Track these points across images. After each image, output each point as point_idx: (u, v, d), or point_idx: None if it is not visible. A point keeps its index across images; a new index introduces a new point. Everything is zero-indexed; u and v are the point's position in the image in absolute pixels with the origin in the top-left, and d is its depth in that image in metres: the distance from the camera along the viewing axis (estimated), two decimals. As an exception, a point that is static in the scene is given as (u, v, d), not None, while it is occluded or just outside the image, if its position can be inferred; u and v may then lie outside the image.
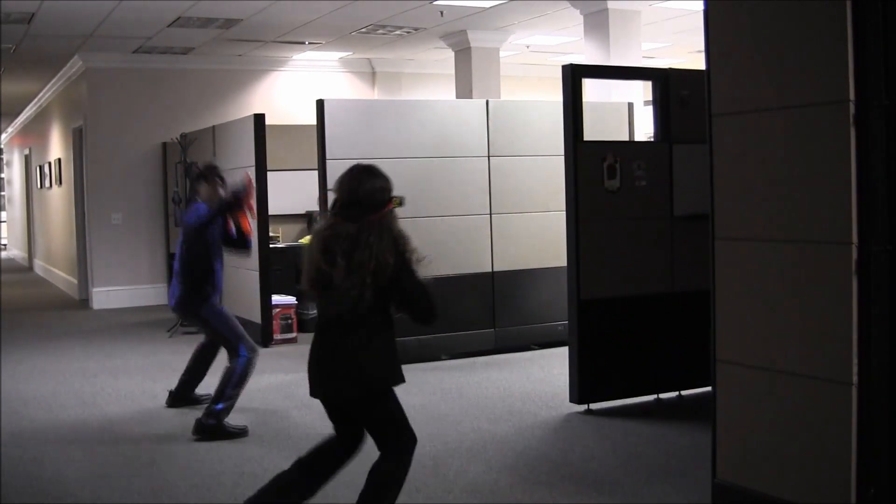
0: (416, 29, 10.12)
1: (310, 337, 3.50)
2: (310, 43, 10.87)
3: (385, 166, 7.19)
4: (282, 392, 6.29)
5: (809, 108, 3.43)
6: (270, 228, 8.41)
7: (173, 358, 7.40)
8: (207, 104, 11.47)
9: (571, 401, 5.57)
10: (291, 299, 8.38)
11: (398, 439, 3.37)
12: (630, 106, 7.99)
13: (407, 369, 7.47)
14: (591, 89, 7.63)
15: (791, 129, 3.51)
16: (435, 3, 8.77)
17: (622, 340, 5.59)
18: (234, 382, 5.37)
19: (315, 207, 8.27)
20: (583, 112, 5.48)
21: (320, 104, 6.99)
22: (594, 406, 5.59)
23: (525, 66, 12.56)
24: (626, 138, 7.76)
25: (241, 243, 5.75)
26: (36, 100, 15.21)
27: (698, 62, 4.84)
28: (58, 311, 11.19)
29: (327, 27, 9.85)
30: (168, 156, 10.99)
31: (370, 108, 7.53)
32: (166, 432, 5.39)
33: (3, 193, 24.05)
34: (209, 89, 11.57)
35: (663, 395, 5.80)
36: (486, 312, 7.46)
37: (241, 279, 8.67)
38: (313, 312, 7.92)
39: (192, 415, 5.77)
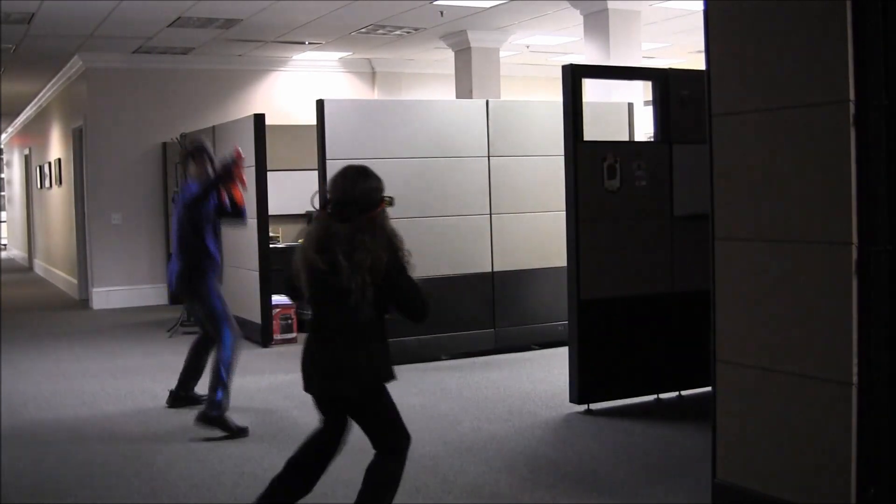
0: (416, 29, 10.12)
1: (310, 337, 3.51)
2: (310, 43, 10.87)
3: (385, 166, 7.21)
4: (282, 392, 6.29)
5: (809, 108, 3.43)
6: (270, 228, 8.41)
7: (173, 358, 7.40)
8: (207, 104, 11.47)
9: (571, 401, 5.57)
10: (291, 299, 8.37)
11: (392, 437, 3.39)
12: (630, 106, 7.99)
13: (407, 369, 7.52)
14: (591, 89, 7.63)
15: (791, 129, 3.51)
16: (435, 3, 8.77)
17: (622, 340, 5.59)
18: (225, 369, 5.45)
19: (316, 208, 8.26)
20: (583, 112, 5.48)
21: (320, 104, 6.99)
22: (594, 406, 5.59)
23: (525, 66, 12.56)
24: (626, 138, 7.76)
25: (235, 213, 5.82)
26: (36, 100, 15.21)
27: (698, 62, 4.83)
28: (58, 311, 11.19)
29: (327, 27, 9.85)
30: (168, 156, 10.99)
31: (370, 108, 7.53)
32: (166, 432, 5.39)
33: (3, 193, 24.05)
34: (209, 89, 11.57)
35: (663, 395, 5.80)
36: (486, 312, 7.46)
37: (241, 279, 8.67)
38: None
39: (192, 415, 5.77)
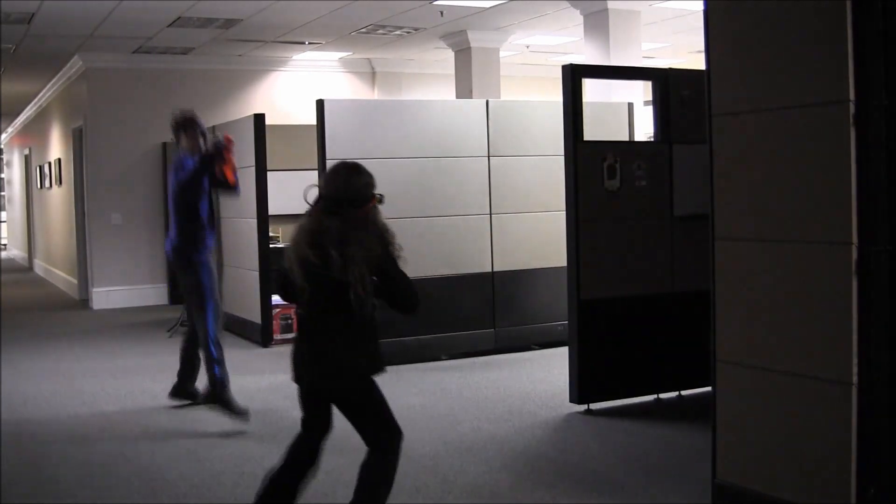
0: (416, 29, 10.12)
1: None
2: (310, 43, 10.87)
3: (385, 166, 7.20)
4: (282, 392, 6.28)
5: (809, 108, 3.42)
6: (270, 228, 8.42)
7: (173, 358, 7.36)
8: (207, 104, 11.45)
9: (571, 401, 5.57)
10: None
11: (384, 433, 3.42)
12: (630, 106, 7.99)
13: (407, 369, 7.52)
14: (591, 89, 7.63)
15: (791, 129, 3.51)
16: (435, 3, 8.77)
17: (622, 340, 5.59)
18: (214, 345, 5.58)
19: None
20: (583, 112, 5.48)
21: (320, 104, 6.99)
22: (594, 406, 5.59)
23: (525, 66, 12.56)
24: (626, 138, 7.76)
25: (229, 188, 5.91)
26: (36, 100, 15.21)
27: (698, 62, 4.83)
28: (58, 311, 11.19)
29: (327, 27, 9.85)
30: (168, 156, 10.99)
31: (370, 108, 7.53)
32: (166, 432, 5.39)
33: (3, 193, 24.05)
34: (209, 89, 11.57)
35: (663, 395, 5.80)
36: (486, 312, 7.46)
37: (241, 279, 8.68)
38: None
39: (191, 415, 5.78)
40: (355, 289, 3.20)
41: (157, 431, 5.42)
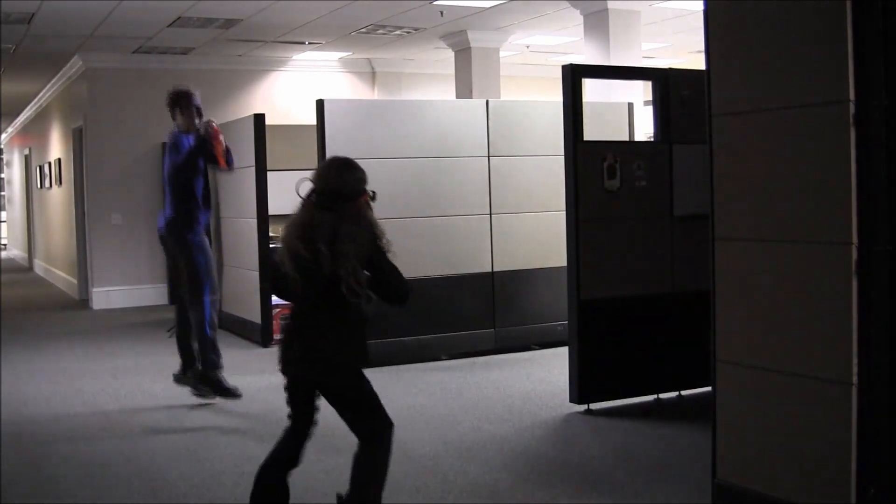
0: (416, 29, 10.12)
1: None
2: (310, 43, 10.87)
3: (385, 166, 7.20)
4: (282, 392, 6.23)
5: (809, 108, 3.42)
6: (270, 228, 8.41)
7: (173, 358, 7.36)
8: (207, 104, 11.33)
9: (571, 401, 5.57)
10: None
11: (374, 424, 3.45)
12: (630, 106, 7.99)
13: (407, 369, 7.52)
14: (591, 89, 7.63)
15: (791, 129, 3.51)
16: (435, 3, 8.77)
17: (622, 340, 5.59)
18: (209, 327, 5.67)
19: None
20: (583, 112, 5.48)
21: (320, 104, 6.99)
22: (594, 406, 5.59)
23: (525, 66, 12.56)
24: (626, 138, 7.75)
25: (222, 166, 5.95)
26: (36, 100, 15.21)
27: (698, 62, 4.83)
28: (58, 311, 11.19)
29: (327, 27, 9.85)
30: (168, 156, 10.99)
31: (370, 108, 7.53)
32: (166, 432, 5.39)
33: (3, 193, 24.05)
34: (209, 89, 11.52)
35: (663, 395, 5.80)
36: (486, 312, 7.46)
37: (241, 279, 8.68)
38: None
39: (191, 415, 5.78)
40: (347, 283, 3.25)
41: (158, 431, 5.42)
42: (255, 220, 8.16)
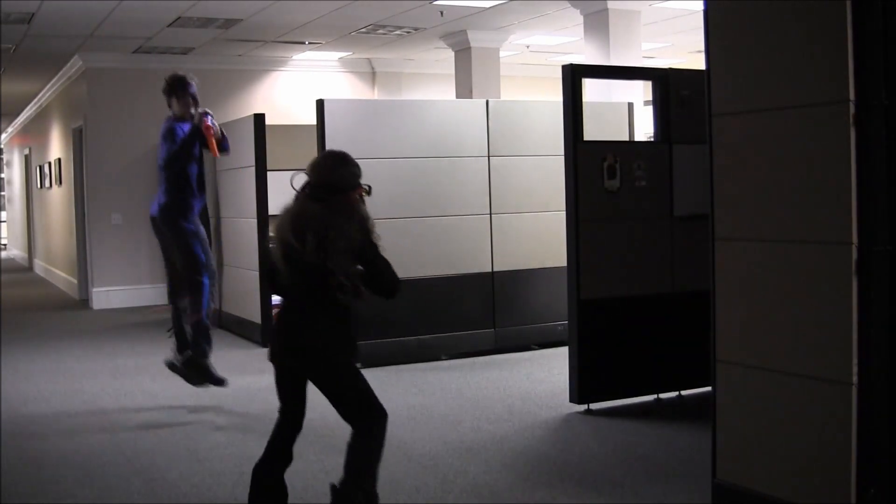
0: (416, 29, 10.12)
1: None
2: (310, 43, 10.87)
3: (385, 166, 7.20)
4: (282, 392, 6.28)
5: (809, 108, 3.43)
6: (270, 228, 8.41)
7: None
8: (207, 104, 11.36)
9: (571, 401, 5.57)
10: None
11: (365, 412, 3.50)
12: (630, 106, 7.99)
13: (407, 369, 7.52)
14: (591, 89, 7.63)
15: (791, 129, 3.51)
16: (435, 3, 8.77)
17: (622, 340, 5.59)
18: (206, 314, 5.71)
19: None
20: (583, 112, 5.48)
21: (320, 104, 7.00)
22: (594, 406, 5.59)
23: (525, 66, 12.56)
24: (626, 138, 7.75)
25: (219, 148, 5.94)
26: (36, 100, 15.21)
27: (698, 62, 4.83)
28: (58, 311, 11.19)
29: (327, 27, 9.85)
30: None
31: (370, 108, 7.53)
32: (166, 432, 5.39)
33: (3, 193, 24.05)
34: (209, 89, 11.50)
35: (663, 395, 5.80)
36: (486, 312, 7.46)
37: (241, 279, 8.68)
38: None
39: (191, 415, 5.78)
40: (335, 277, 3.31)
41: (158, 431, 5.42)
42: (255, 220, 8.16)
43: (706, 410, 3.97)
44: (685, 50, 11.71)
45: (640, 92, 8.67)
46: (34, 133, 16.67)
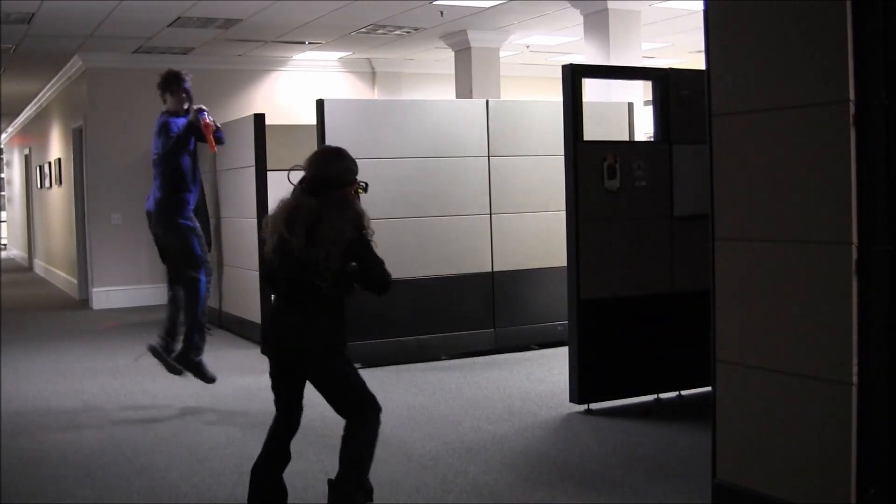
0: (416, 29, 10.12)
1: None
2: (310, 43, 10.88)
3: (386, 166, 7.19)
4: (282, 392, 6.28)
5: (809, 108, 3.43)
6: (264, 221, 8.42)
7: (173, 358, 7.40)
8: (207, 104, 11.31)
9: (571, 401, 5.57)
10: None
11: (358, 403, 3.53)
12: (630, 106, 7.99)
13: (407, 369, 7.51)
14: (591, 89, 7.63)
15: (791, 129, 3.51)
16: (435, 3, 8.77)
17: (622, 340, 5.59)
18: (201, 311, 5.75)
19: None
20: (583, 112, 5.48)
21: (320, 104, 6.99)
22: (594, 406, 5.60)
23: (525, 66, 12.56)
24: (626, 138, 7.76)
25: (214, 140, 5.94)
26: (36, 100, 15.21)
27: (698, 62, 4.84)
28: (58, 311, 11.19)
29: (327, 27, 9.85)
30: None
31: (370, 108, 7.53)
32: (166, 432, 5.39)
33: (3, 193, 24.05)
34: (209, 89, 11.56)
35: (663, 395, 5.80)
36: (486, 312, 7.46)
37: (241, 279, 8.68)
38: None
39: (191, 416, 5.78)
40: (318, 268, 3.35)
41: (157, 431, 5.42)
42: (255, 220, 8.15)
43: (706, 410, 3.97)
44: (685, 50, 11.72)
45: (640, 92, 8.67)
46: (34, 133, 16.67)
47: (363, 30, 10.07)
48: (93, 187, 11.13)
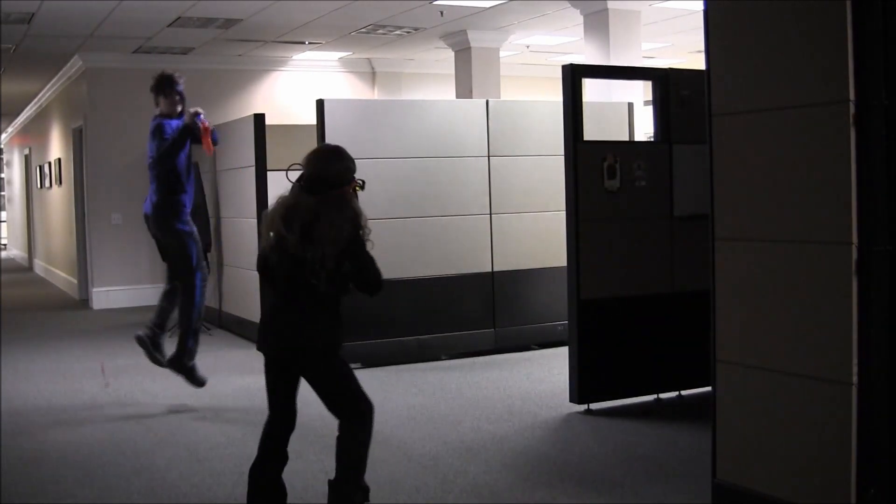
0: (416, 29, 10.12)
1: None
2: (310, 43, 10.87)
3: (386, 166, 7.19)
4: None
5: (809, 108, 3.43)
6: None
7: (173, 358, 7.40)
8: (207, 104, 11.38)
9: (571, 401, 5.57)
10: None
11: (352, 402, 3.54)
12: (630, 106, 7.99)
13: (407, 369, 7.51)
14: (591, 89, 7.63)
15: (791, 129, 3.51)
16: (435, 3, 8.77)
17: (622, 340, 5.59)
18: (196, 314, 5.77)
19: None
20: (583, 112, 5.48)
21: (320, 104, 6.99)
22: (594, 406, 5.59)
23: (525, 66, 12.56)
24: (626, 138, 7.76)
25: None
26: (36, 100, 15.21)
27: (698, 62, 4.84)
28: (58, 311, 11.19)
29: (327, 27, 9.85)
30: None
31: (370, 108, 7.53)
32: (166, 432, 5.39)
33: (3, 193, 24.05)
34: (209, 89, 11.57)
35: (663, 395, 5.80)
36: (486, 312, 7.46)
37: (241, 279, 8.68)
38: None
39: (191, 416, 5.78)
40: (316, 264, 3.36)
41: (157, 431, 5.42)
42: (255, 220, 8.15)
43: (706, 410, 3.97)
44: (685, 50, 11.72)
45: (640, 92, 8.67)
46: (34, 133, 16.67)
47: (363, 30, 10.07)
48: (93, 187, 11.13)
